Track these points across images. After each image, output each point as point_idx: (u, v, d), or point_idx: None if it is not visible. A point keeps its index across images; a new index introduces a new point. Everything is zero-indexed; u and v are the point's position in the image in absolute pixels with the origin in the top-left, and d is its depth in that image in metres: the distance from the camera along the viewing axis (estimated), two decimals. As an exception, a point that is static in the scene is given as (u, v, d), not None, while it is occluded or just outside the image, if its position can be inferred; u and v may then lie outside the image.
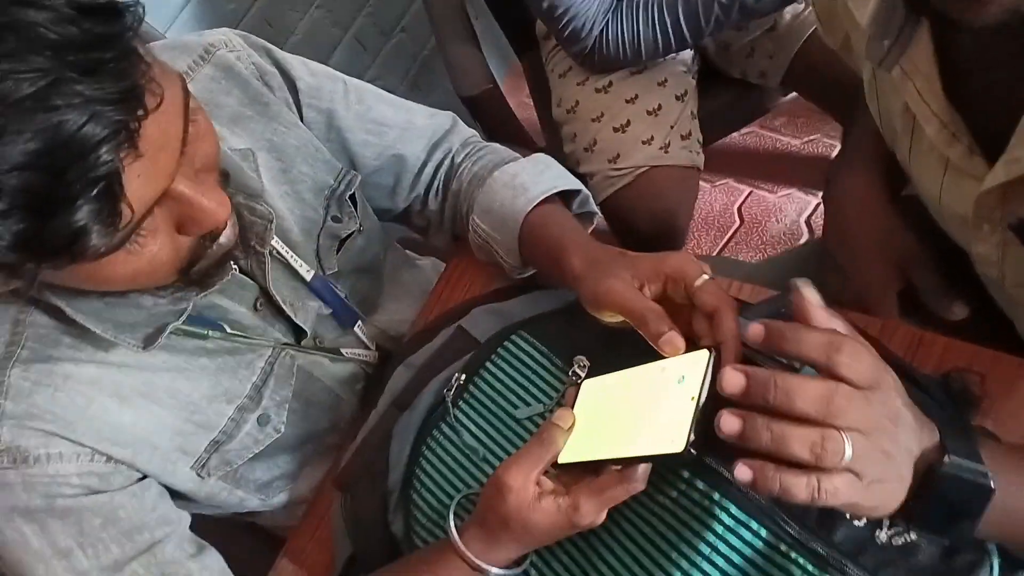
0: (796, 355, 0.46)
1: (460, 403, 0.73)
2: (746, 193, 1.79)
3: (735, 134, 1.88)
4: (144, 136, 0.45)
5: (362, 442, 0.78)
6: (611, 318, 0.64)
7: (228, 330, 0.71)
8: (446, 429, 0.73)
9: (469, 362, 0.75)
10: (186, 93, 0.52)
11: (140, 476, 0.67)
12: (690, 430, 0.52)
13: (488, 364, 0.74)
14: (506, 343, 0.74)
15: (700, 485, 0.59)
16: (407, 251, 1.05)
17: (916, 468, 0.48)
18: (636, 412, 0.58)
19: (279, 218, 0.74)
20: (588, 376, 0.67)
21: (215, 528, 0.77)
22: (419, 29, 1.91)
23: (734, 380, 0.46)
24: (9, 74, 0.40)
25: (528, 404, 0.70)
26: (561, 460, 0.61)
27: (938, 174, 0.63)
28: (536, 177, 0.80)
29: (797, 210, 1.72)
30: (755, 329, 0.48)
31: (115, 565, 0.63)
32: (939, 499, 0.47)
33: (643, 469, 0.57)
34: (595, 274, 0.65)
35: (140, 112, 0.45)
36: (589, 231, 0.87)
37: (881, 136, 0.77)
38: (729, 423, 0.46)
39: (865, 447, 0.45)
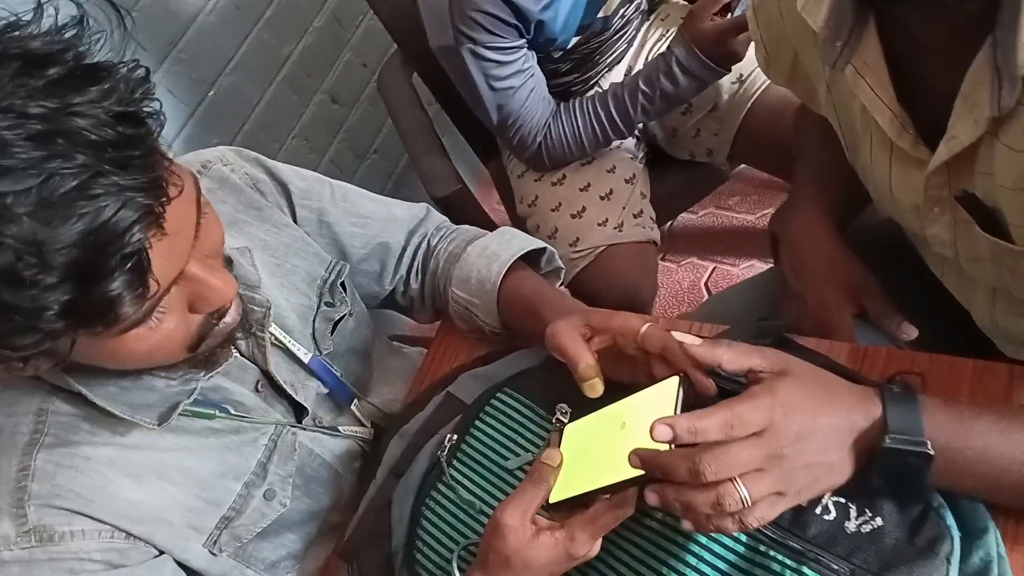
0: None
1: (454, 462, 0.78)
2: (710, 269, 1.88)
3: (693, 216, 1.99)
4: (168, 219, 0.53)
5: (363, 512, 0.81)
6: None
7: (233, 411, 0.76)
8: (442, 488, 0.77)
9: (459, 423, 0.80)
10: (198, 187, 0.60)
11: (157, 552, 0.70)
12: (670, 447, 0.57)
13: (477, 422, 0.79)
14: (492, 401, 0.79)
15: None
16: (395, 343, 1.11)
17: (858, 446, 0.54)
18: (618, 442, 0.63)
19: (276, 307, 0.81)
20: (571, 421, 0.72)
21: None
22: (390, 150, 2.04)
23: (634, 460, 0.57)
24: (59, 171, 0.48)
25: (518, 455, 0.75)
26: (553, 499, 0.65)
27: (888, 169, 0.70)
28: (505, 245, 0.90)
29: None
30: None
31: None
32: (884, 470, 0.53)
33: (631, 493, 0.61)
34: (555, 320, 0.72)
35: (164, 199, 0.53)
36: (558, 285, 0.95)
37: (823, 180, 0.86)
38: (651, 497, 0.56)
39: (770, 478, 0.52)
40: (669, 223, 1.98)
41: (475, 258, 0.90)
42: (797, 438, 0.53)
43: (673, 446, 0.54)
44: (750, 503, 0.51)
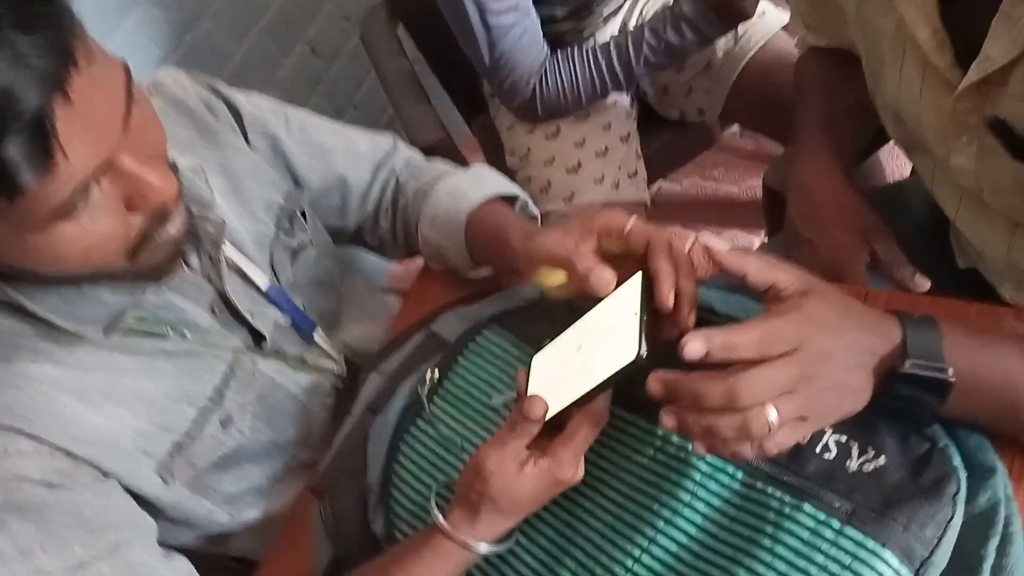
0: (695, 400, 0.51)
1: (435, 398, 0.74)
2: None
3: (676, 187, 1.97)
4: (75, 87, 0.49)
5: (338, 447, 0.78)
6: (549, 279, 0.66)
7: (188, 334, 0.71)
8: (422, 424, 0.73)
9: (441, 359, 0.76)
10: (129, 77, 0.56)
11: (103, 476, 0.66)
12: (640, 337, 0.54)
13: (460, 359, 0.75)
14: (476, 338, 0.76)
15: (675, 440, 0.60)
16: (376, 285, 1.07)
17: (878, 370, 0.51)
18: (588, 353, 0.60)
19: (233, 231, 0.77)
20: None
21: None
22: (371, 106, 1.98)
23: (656, 387, 0.53)
24: None
25: (501, 392, 0.72)
26: None
27: (919, 91, 0.68)
28: (475, 184, 0.86)
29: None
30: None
31: (80, 564, 0.61)
32: (901, 395, 0.51)
33: (601, 402, 0.59)
34: (528, 241, 0.69)
35: (69, 63, 0.49)
36: None
37: (831, 125, 0.85)
38: (666, 420, 0.52)
39: (798, 400, 0.49)
40: (655, 190, 1.96)
41: (443, 196, 0.86)
42: (826, 357, 0.50)
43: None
44: (776, 427, 0.48)
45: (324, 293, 0.88)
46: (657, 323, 0.56)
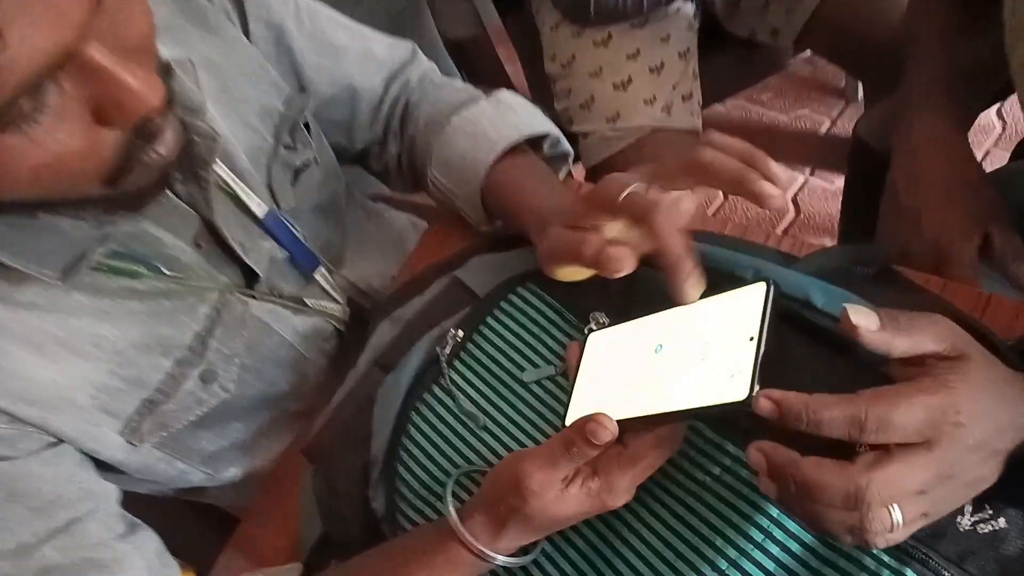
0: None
1: (456, 363, 0.63)
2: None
3: (721, 108, 1.80)
4: None
5: (338, 406, 0.67)
6: (571, 276, 0.57)
7: (164, 270, 0.59)
8: (439, 392, 0.63)
9: (467, 317, 0.65)
10: None
11: (54, 441, 0.56)
12: (754, 375, 0.43)
13: (490, 319, 0.64)
14: (511, 296, 0.64)
15: (730, 448, 0.50)
16: (376, 204, 0.94)
17: (1017, 443, 0.41)
18: (671, 361, 0.49)
19: (223, 142, 0.63)
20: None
21: (152, 508, 0.65)
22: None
23: (757, 460, 0.44)
24: None
25: (536, 366, 0.61)
26: (567, 421, 0.53)
27: None
28: (498, 122, 0.71)
29: (783, 186, 1.65)
30: (763, 403, 0.42)
31: (21, 549, 0.51)
32: None
33: (677, 429, 0.50)
34: (540, 231, 0.58)
35: None
36: (563, 174, 0.79)
37: (952, 85, 0.71)
38: (764, 487, 0.44)
39: (927, 501, 0.40)
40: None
41: (461, 136, 0.72)
42: (970, 451, 0.40)
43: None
44: (897, 528, 0.39)
45: (328, 223, 0.76)
46: (777, 345, 0.45)
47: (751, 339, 0.45)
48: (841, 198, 1.23)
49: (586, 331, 0.59)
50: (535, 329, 0.62)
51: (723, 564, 0.49)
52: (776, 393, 0.42)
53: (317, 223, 0.74)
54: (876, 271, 0.59)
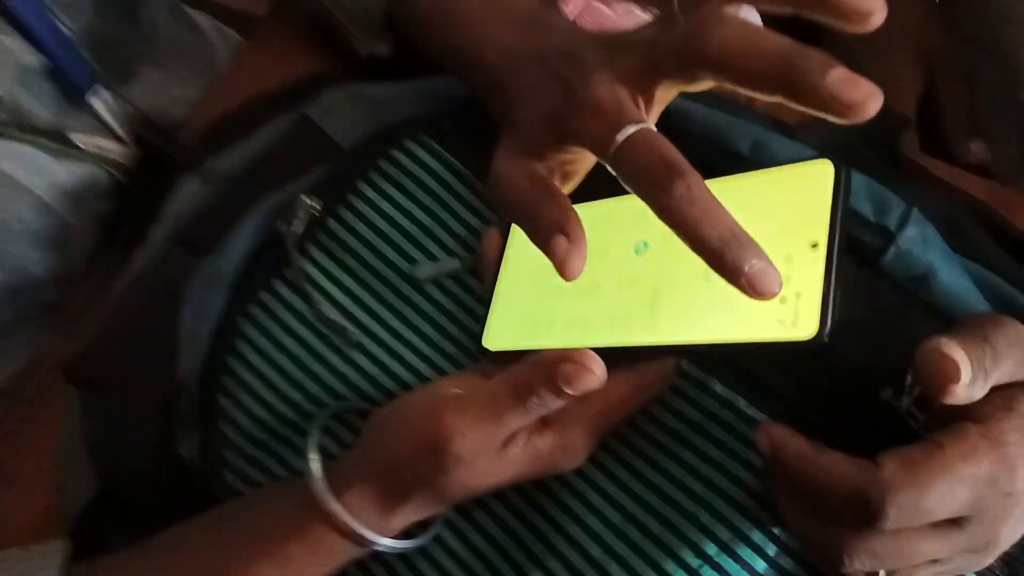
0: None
1: (311, 248, 0.43)
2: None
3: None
4: None
5: (120, 302, 0.45)
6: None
7: None
8: (285, 291, 0.42)
9: (326, 179, 0.44)
10: None
11: None
12: (826, 303, 0.29)
13: (362, 185, 0.44)
14: (394, 151, 0.44)
15: (718, 389, 0.36)
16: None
17: None
18: (660, 271, 0.34)
19: None
20: None
21: None
22: None
23: (764, 443, 0.33)
24: None
25: (433, 258, 0.42)
26: (496, 345, 0.38)
27: None
28: None
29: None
30: (761, 436, 0.33)
31: None
32: None
33: (666, 367, 0.36)
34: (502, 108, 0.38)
35: None
36: None
37: None
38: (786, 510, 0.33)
39: (948, 567, 0.31)
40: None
41: None
42: (1015, 522, 0.30)
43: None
44: None
45: (114, 18, 0.49)
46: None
47: (814, 246, 0.30)
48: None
49: (508, 212, 0.42)
50: (431, 203, 0.43)
51: (711, 549, 0.35)
52: (779, 431, 0.32)
53: (98, 19, 0.47)
54: (888, 152, 0.46)
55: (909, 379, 0.33)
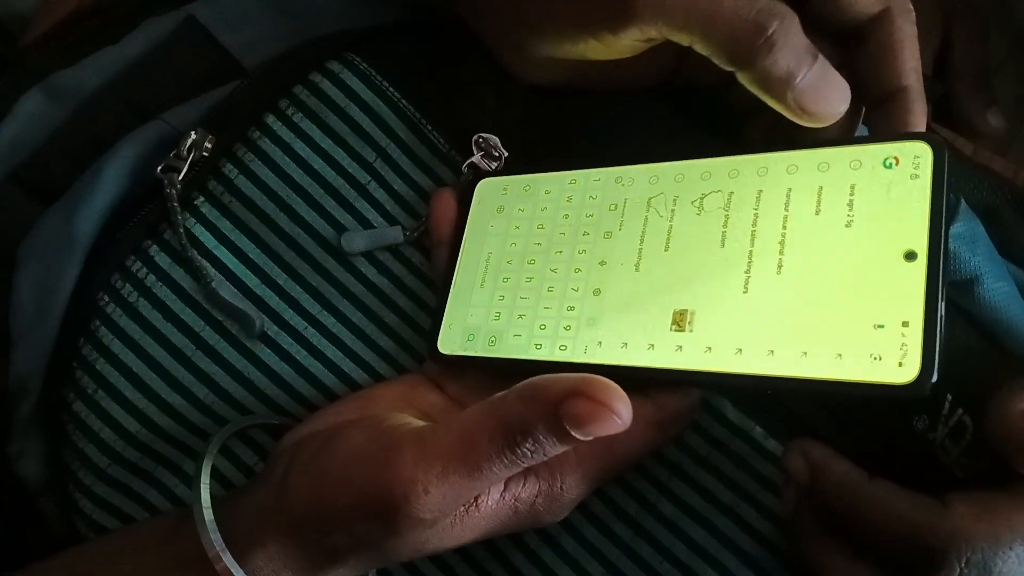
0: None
1: (201, 201, 0.32)
2: None
3: None
4: None
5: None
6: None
7: None
8: (162, 258, 0.32)
9: (223, 107, 0.33)
10: None
11: None
12: (930, 340, 0.21)
13: (270, 118, 0.32)
14: (313, 75, 0.33)
15: (730, 414, 0.29)
16: None
17: None
18: (682, 270, 0.26)
19: None
20: (503, 171, 0.31)
21: None
22: None
23: (797, 467, 0.27)
24: None
25: (367, 222, 0.32)
26: (448, 349, 0.29)
27: None
28: None
29: None
30: (792, 458, 0.26)
31: None
32: None
33: (689, 399, 0.27)
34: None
35: None
36: None
37: None
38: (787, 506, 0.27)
39: None
40: None
41: None
42: None
43: None
44: None
45: None
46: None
47: (909, 256, 0.22)
48: None
49: (466, 168, 0.32)
50: (361, 147, 0.32)
51: None
52: (819, 450, 0.26)
53: None
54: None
55: (947, 407, 0.26)
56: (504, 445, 0.22)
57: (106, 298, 0.31)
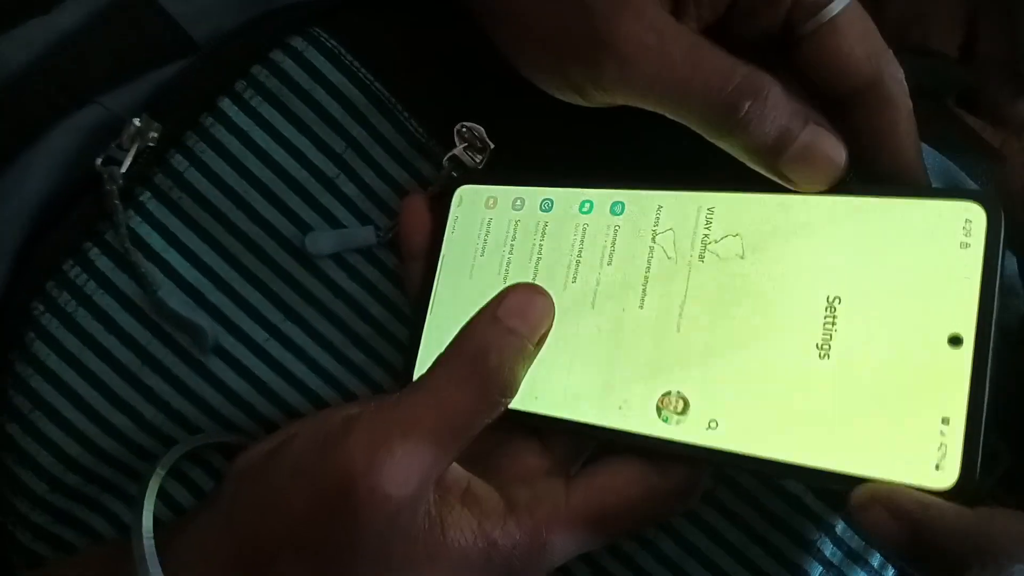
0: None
1: (144, 197, 0.28)
2: None
3: None
4: None
5: None
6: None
7: None
8: (103, 262, 0.28)
9: (172, 89, 0.29)
10: None
11: None
12: (973, 438, 0.18)
13: (225, 102, 0.29)
14: (273, 53, 0.29)
15: (813, 505, 0.26)
16: None
17: None
18: (728, 337, 0.23)
19: None
20: (483, 178, 0.28)
21: None
22: None
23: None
24: None
25: (335, 221, 0.29)
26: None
27: None
28: None
29: None
30: (872, 509, 0.19)
31: None
32: None
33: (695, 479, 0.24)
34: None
35: None
36: None
37: None
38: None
39: None
40: None
41: None
42: None
43: None
44: None
45: None
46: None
47: (955, 342, 0.19)
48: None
49: (446, 162, 0.28)
50: (328, 134, 0.29)
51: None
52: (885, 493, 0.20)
53: None
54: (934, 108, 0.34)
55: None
56: (483, 392, 0.22)
57: (40, 307, 0.28)
